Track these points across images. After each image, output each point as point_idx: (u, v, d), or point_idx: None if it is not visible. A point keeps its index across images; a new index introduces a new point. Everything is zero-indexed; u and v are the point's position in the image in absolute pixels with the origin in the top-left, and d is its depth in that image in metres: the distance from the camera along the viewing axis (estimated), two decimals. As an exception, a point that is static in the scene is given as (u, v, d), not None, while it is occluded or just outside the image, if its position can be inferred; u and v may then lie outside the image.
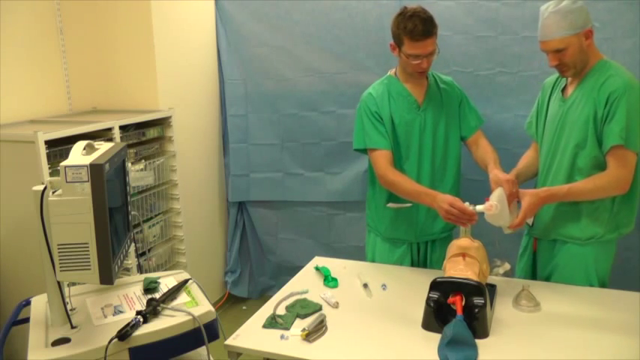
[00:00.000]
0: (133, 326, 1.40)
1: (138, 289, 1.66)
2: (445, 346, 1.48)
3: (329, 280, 2.03)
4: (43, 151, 2.11)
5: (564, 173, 1.93)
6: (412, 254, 2.24)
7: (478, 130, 2.19)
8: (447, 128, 2.15)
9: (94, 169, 1.28)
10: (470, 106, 2.21)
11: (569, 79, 1.96)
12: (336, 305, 1.84)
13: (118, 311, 1.52)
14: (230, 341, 1.64)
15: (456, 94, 2.20)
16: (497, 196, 1.81)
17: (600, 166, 1.87)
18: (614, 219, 1.92)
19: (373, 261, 2.28)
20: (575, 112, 1.89)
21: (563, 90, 1.98)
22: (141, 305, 1.55)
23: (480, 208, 1.80)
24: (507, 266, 1.90)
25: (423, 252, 2.26)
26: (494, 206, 1.77)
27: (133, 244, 1.79)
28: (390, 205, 2.16)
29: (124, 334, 1.37)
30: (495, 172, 1.93)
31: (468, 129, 2.18)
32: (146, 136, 2.70)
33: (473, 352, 1.49)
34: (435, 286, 1.67)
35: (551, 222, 1.99)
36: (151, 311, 1.48)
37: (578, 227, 1.94)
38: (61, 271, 1.31)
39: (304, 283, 2.02)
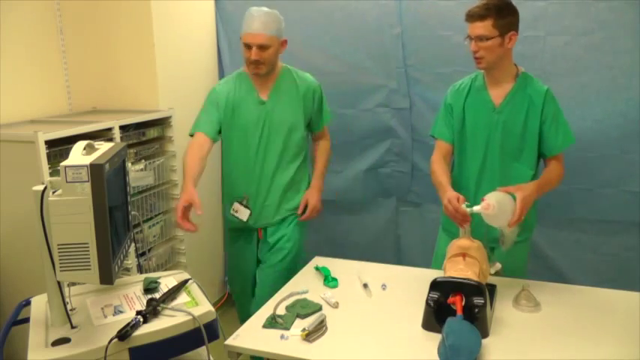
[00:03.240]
0: (133, 326, 1.40)
1: (138, 289, 1.66)
2: (445, 348, 1.48)
3: (329, 280, 2.03)
4: (43, 151, 2.11)
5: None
6: None
7: (557, 152, 2.04)
8: (523, 135, 2.03)
9: (94, 169, 1.28)
10: (555, 126, 2.02)
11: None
12: (336, 305, 1.84)
13: (118, 311, 1.52)
14: (230, 341, 1.64)
15: (543, 107, 2.01)
16: (495, 196, 1.80)
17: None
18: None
19: (438, 248, 2.28)
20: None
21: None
22: (141, 305, 1.54)
23: (477, 208, 1.79)
24: (498, 266, 1.89)
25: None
26: (491, 206, 1.76)
27: (133, 244, 1.79)
28: None
29: (124, 334, 1.37)
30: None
31: (548, 149, 2.05)
32: (146, 136, 2.70)
33: (475, 343, 1.48)
34: (435, 286, 1.67)
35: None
36: (151, 311, 1.48)
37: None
38: (61, 271, 1.31)
39: (304, 283, 2.02)
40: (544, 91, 2.02)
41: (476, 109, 2.08)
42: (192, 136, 2.29)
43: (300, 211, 2.39)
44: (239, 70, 2.37)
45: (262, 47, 2.17)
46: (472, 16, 1.98)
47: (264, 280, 2.37)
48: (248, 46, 2.19)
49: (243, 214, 2.36)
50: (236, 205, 2.38)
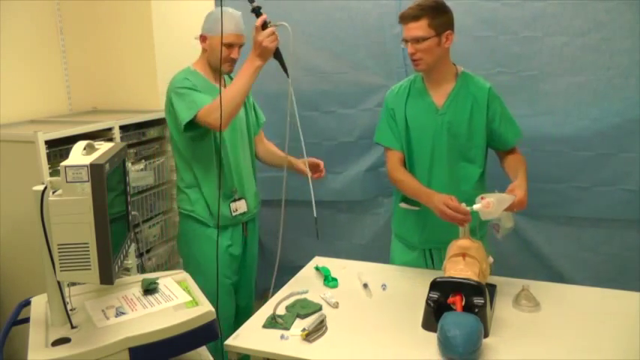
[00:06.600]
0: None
1: (137, 290, 1.66)
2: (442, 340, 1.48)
3: (329, 280, 2.03)
4: (43, 151, 2.11)
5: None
6: (426, 261, 2.20)
7: (512, 146, 2.10)
8: (469, 135, 2.03)
9: (95, 169, 1.28)
10: (505, 123, 2.06)
11: None
12: (336, 305, 1.84)
13: (120, 313, 1.52)
14: (230, 341, 1.64)
15: (488, 105, 2.03)
16: (492, 195, 1.81)
17: None
18: None
19: (393, 260, 2.28)
20: None
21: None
22: (142, 306, 1.55)
23: (476, 207, 1.79)
24: (490, 259, 1.90)
25: (437, 260, 2.18)
26: (491, 204, 1.76)
27: (133, 244, 1.79)
28: (402, 205, 2.16)
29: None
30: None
31: (502, 144, 2.10)
32: (146, 136, 2.70)
33: (472, 329, 1.48)
34: (435, 286, 1.67)
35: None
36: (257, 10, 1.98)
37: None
38: (61, 271, 1.31)
39: (304, 283, 2.03)
40: (487, 88, 2.03)
41: (418, 112, 2.06)
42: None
43: (305, 172, 2.38)
44: (187, 68, 2.30)
45: (241, 46, 2.27)
46: (406, 18, 1.93)
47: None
48: (231, 46, 2.23)
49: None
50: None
